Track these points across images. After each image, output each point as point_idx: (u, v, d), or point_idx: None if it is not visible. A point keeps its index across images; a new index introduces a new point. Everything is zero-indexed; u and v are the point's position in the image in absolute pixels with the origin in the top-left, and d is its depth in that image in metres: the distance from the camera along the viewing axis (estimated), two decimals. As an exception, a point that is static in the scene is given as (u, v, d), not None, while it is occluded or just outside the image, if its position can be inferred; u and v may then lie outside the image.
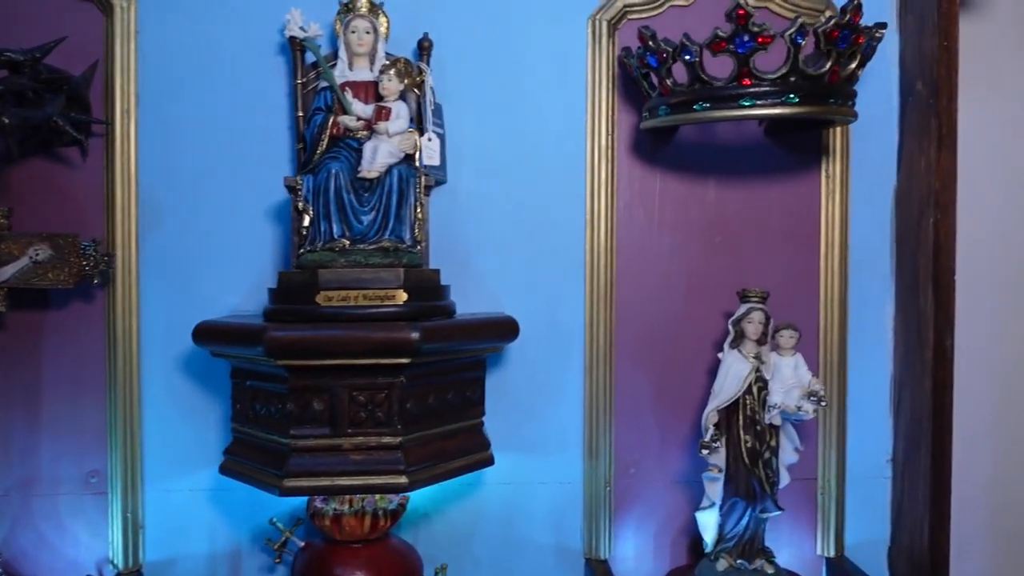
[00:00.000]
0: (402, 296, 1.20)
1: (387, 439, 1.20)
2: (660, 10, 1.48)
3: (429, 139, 1.37)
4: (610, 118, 1.49)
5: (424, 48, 1.41)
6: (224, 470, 1.31)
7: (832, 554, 1.53)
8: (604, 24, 1.47)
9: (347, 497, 1.31)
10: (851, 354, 1.54)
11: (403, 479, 1.19)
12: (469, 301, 1.47)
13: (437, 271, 1.31)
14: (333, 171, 1.22)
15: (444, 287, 1.32)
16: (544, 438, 1.51)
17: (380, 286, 1.20)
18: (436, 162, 1.38)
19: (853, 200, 1.53)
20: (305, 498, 1.35)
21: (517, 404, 1.50)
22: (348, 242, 1.22)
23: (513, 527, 1.51)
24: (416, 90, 1.40)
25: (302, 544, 1.36)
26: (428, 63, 1.41)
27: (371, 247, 1.23)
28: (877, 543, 1.56)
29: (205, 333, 1.25)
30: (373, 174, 1.23)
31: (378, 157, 1.23)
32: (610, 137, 1.49)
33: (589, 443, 1.50)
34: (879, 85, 1.54)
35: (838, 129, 1.52)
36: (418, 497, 1.47)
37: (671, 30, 1.46)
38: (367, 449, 1.20)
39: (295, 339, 1.14)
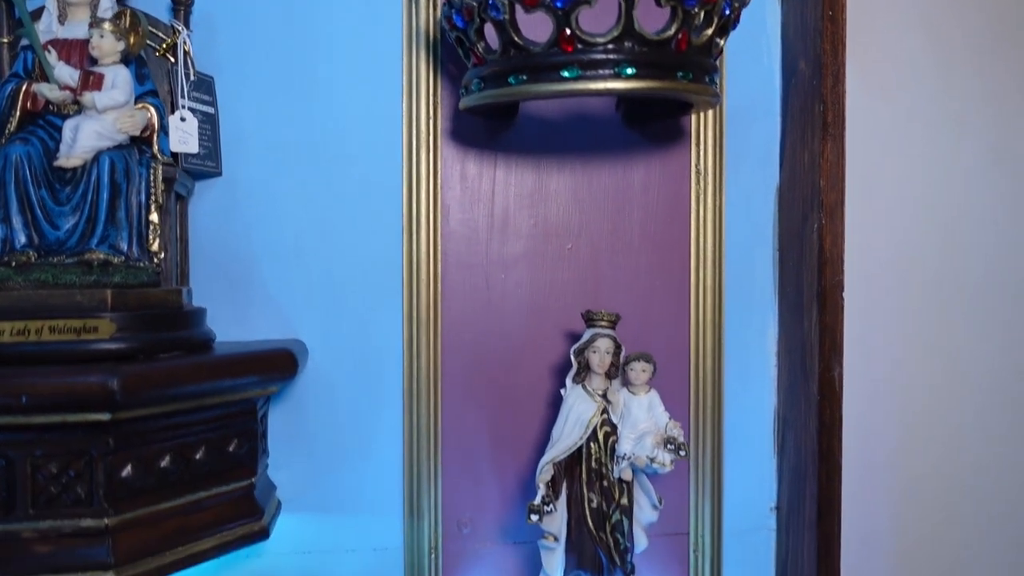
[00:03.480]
0: (108, 328, 0.89)
1: (88, 522, 0.88)
2: (493, -37, 1.19)
3: (182, 119, 1.06)
4: (432, 95, 1.20)
5: (181, 2, 1.09)
6: None
7: (706, 625, 1.28)
8: (422, -23, 1.18)
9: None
10: (728, 386, 1.29)
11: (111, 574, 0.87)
12: (249, 327, 1.16)
13: (179, 291, 0.99)
14: (13, 158, 0.89)
15: (192, 312, 1.00)
16: (352, 494, 1.21)
17: (75, 314, 0.88)
18: (192, 148, 1.07)
19: (728, 202, 1.28)
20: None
21: (316, 452, 1.20)
22: (35, 254, 0.90)
23: (314, 608, 1.21)
24: (170, 56, 1.08)
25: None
26: (187, 22, 1.09)
27: (69, 260, 0.91)
28: (761, 609, 1.32)
29: None
30: (73, 162, 0.91)
31: (80, 139, 0.91)
32: (432, 120, 1.20)
33: (409, 499, 1.21)
34: (759, 63, 1.29)
35: (710, 116, 1.26)
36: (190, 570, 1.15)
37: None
38: (59, 537, 0.88)
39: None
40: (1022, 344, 1.35)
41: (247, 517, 1.04)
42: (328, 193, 1.19)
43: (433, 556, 1.22)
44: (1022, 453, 1.36)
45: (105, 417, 0.85)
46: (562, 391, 1.14)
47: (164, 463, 0.94)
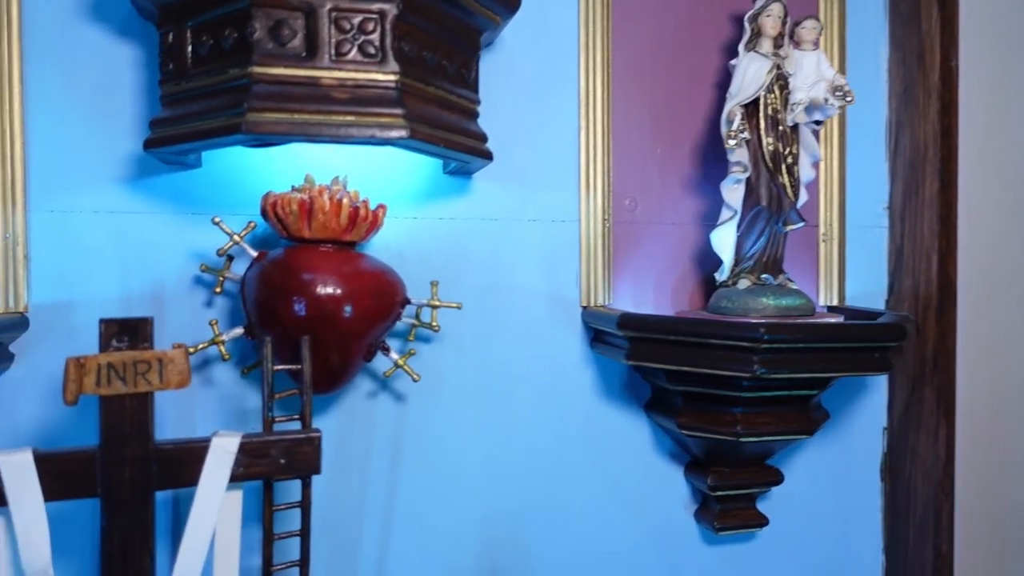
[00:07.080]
0: (397, -99, 0.97)
1: (380, 76, 0.96)
2: None
3: None
4: None
5: None
6: (152, 144, 1.01)
7: (835, 303, 1.44)
8: None
9: (317, 187, 1.05)
10: (849, 96, 1.46)
11: (402, 121, 0.95)
12: None
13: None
14: None
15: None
16: (534, 169, 1.30)
17: None
18: None
19: (850, -70, 1.45)
20: (257, 201, 1.08)
21: (503, 127, 1.28)
22: None
23: (500, 270, 1.29)
24: None
25: (255, 255, 1.08)
26: None
27: None
28: (876, 293, 1.49)
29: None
30: None
31: None
32: None
33: (585, 177, 1.32)
34: None
35: None
36: (392, 229, 1.23)
37: None
38: (355, 87, 0.95)
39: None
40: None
41: (477, 137, 1.13)
42: None
43: (606, 227, 1.32)
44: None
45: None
46: (732, 62, 1.27)
47: (426, 54, 1.02)
